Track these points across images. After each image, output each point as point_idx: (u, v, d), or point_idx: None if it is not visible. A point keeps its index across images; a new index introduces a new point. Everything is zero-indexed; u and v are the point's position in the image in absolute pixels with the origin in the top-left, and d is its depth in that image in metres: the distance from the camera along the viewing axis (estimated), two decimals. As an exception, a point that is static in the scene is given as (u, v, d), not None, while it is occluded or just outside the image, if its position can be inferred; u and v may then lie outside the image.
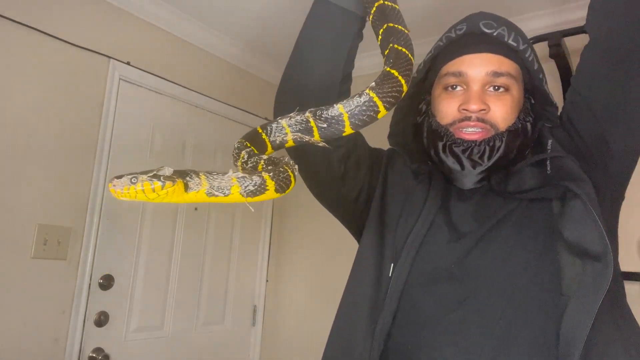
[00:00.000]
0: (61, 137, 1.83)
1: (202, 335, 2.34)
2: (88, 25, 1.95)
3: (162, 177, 0.54)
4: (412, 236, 0.80)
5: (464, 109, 0.82)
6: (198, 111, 2.40)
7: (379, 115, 0.62)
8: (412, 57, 0.65)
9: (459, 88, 0.84)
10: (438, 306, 0.76)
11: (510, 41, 0.82)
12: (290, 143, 0.68)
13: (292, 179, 0.61)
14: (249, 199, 0.58)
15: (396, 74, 0.62)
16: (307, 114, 0.64)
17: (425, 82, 0.93)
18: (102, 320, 1.92)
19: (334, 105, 0.62)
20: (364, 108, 0.61)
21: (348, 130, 0.63)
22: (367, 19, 0.76)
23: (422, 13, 2.08)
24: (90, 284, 1.89)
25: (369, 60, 2.33)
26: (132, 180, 0.53)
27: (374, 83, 0.61)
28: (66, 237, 1.82)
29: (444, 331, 0.73)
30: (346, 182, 0.89)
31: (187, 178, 0.56)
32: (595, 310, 0.65)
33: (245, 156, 0.63)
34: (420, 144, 0.93)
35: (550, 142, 0.82)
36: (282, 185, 0.59)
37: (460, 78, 0.84)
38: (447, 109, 0.84)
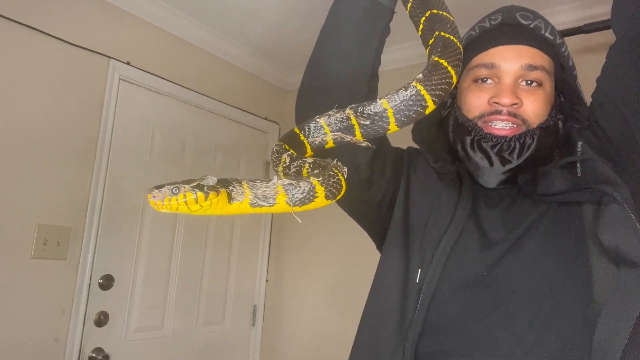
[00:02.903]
0: (61, 137, 1.83)
1: (202, 335, 2.34)
2: (88, 25, 1.95)
3: (205, 187, 0.49)
4: (443, 243, 0.76)
5: (495, 102, 0.78)
6: (198, 111, 2.40)
7: (427, 111, 0.56)
8: (460, 46, 0.59)
9: (489, 81, 0.81)
10: (468, 314, 0.74)
11: (547, 34, 0.79)
12: (330, 144, 0.62)
13: (343, 183, 0.55)
14: (297, 209, 0.52)
15: (445, 64, 0.56)
16: (348, 110, 0.59)
17: None
18: (102, 320, 1.92)
19: (377, 100, 0.57)
20: (411, 102, 0.55)
21: (393, 127, 0.57)
22: (405, 7, 0.69)
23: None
24: (90, 284, 1.89)
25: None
26: (174, 191, 0.48)
27: (421, 75, 0.55)
28: (66, 237, 1.82)
29: (473, 339, 0.72)
30: (372, 185, 0.85)
31: (230, 187, 0.51)
32: (633, 318, 0.62)
33: (287, 160, 0.58)
34: (444, 139, 0.89)
35: (580, 144, 0.79)
36: (333, 191, 0.53)
37: (492, 70, 0.80)
38: (476, 102, 0.81)
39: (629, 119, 0.74)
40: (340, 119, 0.60)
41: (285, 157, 0.58)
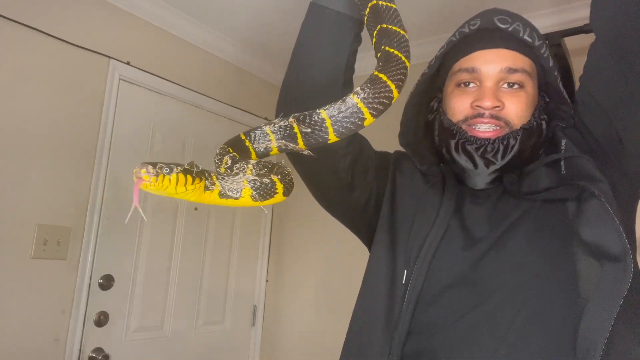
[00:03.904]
0: (61, 137, 1.83)
1: (202, 335, 2.34)
2: (88, 25, 1.95)
3: (194, 172, 0.52)
4: (427, 243, 0.78)
5: (477, 106, 0.80)
6: (198, 111, 2.40)
7: (365, 123, 0.58)
8: (405, 60, 0.61)
9: (472, 85, 0.82)
10: (452, 312, 0.75)
11: (525, 37, 0.79)
12: (275, 151, 0.65)
13: (293, 181, 0.60)
14: (258, 203, 0.56)
15: (384, 78, 0.58)
16: (291, 119, 0.61)
17: (437, 78, 0.90)
18: (102, 320, 1.92)
19: (317, 110, 0.59)
20: (348, 115, 0.57)
21: (332, 137, 0.59)
22: (363, 21, 0.72)
23: (431, 10, 2.08)
24: (90, 284, 1.89)
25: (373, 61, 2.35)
26: (165, 171, 0.49)
27: (359, 88, 0.57)
28: (66, 237, 1.82)
29: (457, 337, 0.73)
30: (354, 190, 0.87)
31: (204, 177, 0.54)
32: (614, 313, 0.63)
33: (229, 161, 0.60)
34: (431, 143, 0.91)
35: (564, 141, 0.80)
36: (288, 188, 0.58)
37: (473, 74, 0.81)
38: (459, 106, 0.82)
39: (611, 115, 0.75)
40: (284, 127, 0.62)
41: (227, 159, 0.61)
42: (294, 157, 0.85)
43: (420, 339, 0.75)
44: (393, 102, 0.59)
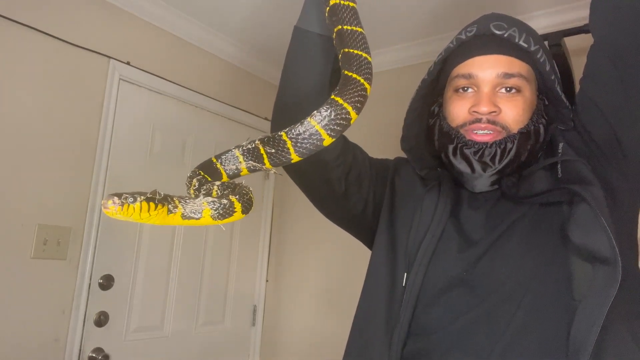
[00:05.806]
0: (61, 137, 1.83)
1: (202, 335, 2.34)
2: (88, 25, 1.95)
3: (156, 199, 0.57)
4: (423, 246, 0.79)
5: (474, 111, 0.81)
6: (198, 111, 2.40)
7: (325, 143, 0.62)
8: (365, 82, 0.63)
9: (469, 90, 0.83)
10: (448, 313, 0.76)
11: (521, 42, 0.80)
12: (245, 172, 0.68)
13: (253, 200, 0.65)
14: (219, 222, 0.61)
15: (340, 101, 0.61)
16: (257, 141, 0.65)
17: (438, 83, 0.92)
18: (102, 320, 1.92)
19: (279, 132, 0.62)
20: (306, 136, 0.61)
21: (295, 157, 0.62)
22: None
23: (430, 10, 2.08)
24: (90, 284, 1.89)
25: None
26: (130, 200, 0.55)
27: (316, 111, 0.61)
28: (66, 237, 1.82)
29: (453, 337, 0.74)
30: (349, 198, 0.89)
31: (167, 202, 0.59)
32: (603, 314, 0.64)
33: (197, 184, 0.65)
34: (432, 147, 0.92)
35: (561, 145, 0.81)
36: (247, 207, 0.63)
37: (470, 80, 0.83)
38: (457, 111, 0.84)
39: (609, 118, 0.76)
40: (252, 149, 0.66)
41: (195, 181, 0.66)
42: (289, 169, 0.88)
43: (419, 340, 0.77)
44: (352, 122, 0.62)
